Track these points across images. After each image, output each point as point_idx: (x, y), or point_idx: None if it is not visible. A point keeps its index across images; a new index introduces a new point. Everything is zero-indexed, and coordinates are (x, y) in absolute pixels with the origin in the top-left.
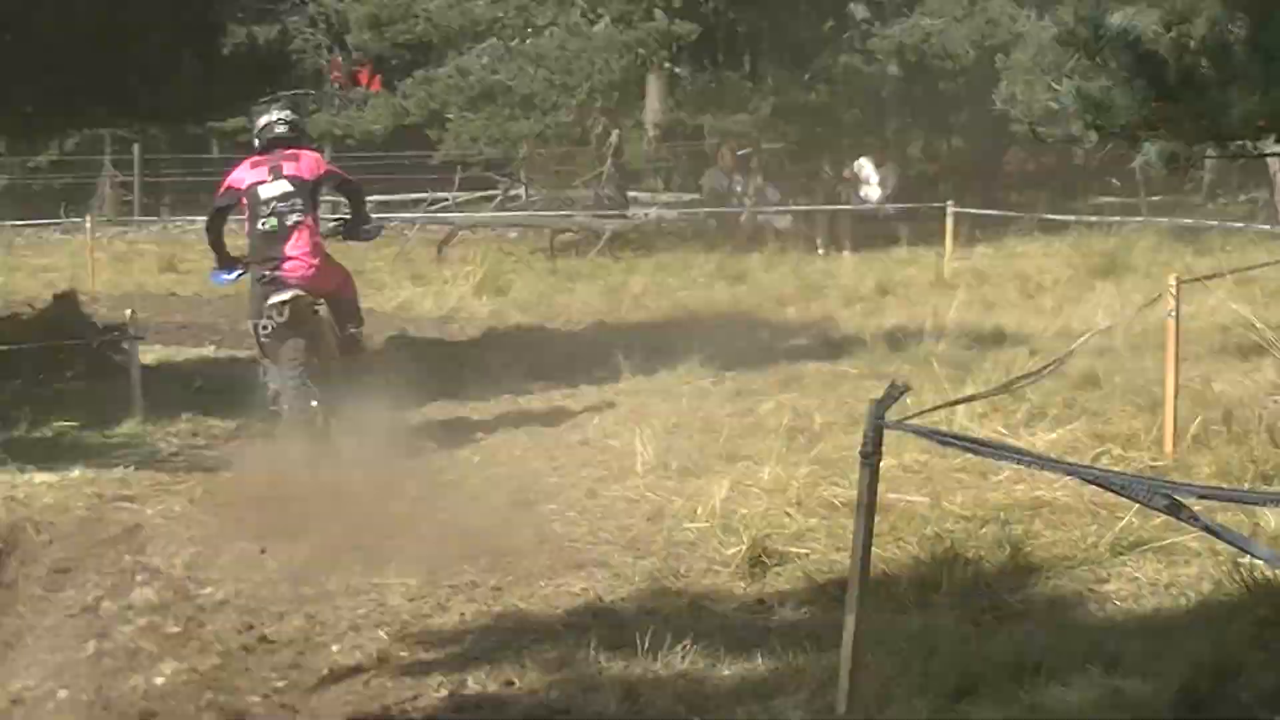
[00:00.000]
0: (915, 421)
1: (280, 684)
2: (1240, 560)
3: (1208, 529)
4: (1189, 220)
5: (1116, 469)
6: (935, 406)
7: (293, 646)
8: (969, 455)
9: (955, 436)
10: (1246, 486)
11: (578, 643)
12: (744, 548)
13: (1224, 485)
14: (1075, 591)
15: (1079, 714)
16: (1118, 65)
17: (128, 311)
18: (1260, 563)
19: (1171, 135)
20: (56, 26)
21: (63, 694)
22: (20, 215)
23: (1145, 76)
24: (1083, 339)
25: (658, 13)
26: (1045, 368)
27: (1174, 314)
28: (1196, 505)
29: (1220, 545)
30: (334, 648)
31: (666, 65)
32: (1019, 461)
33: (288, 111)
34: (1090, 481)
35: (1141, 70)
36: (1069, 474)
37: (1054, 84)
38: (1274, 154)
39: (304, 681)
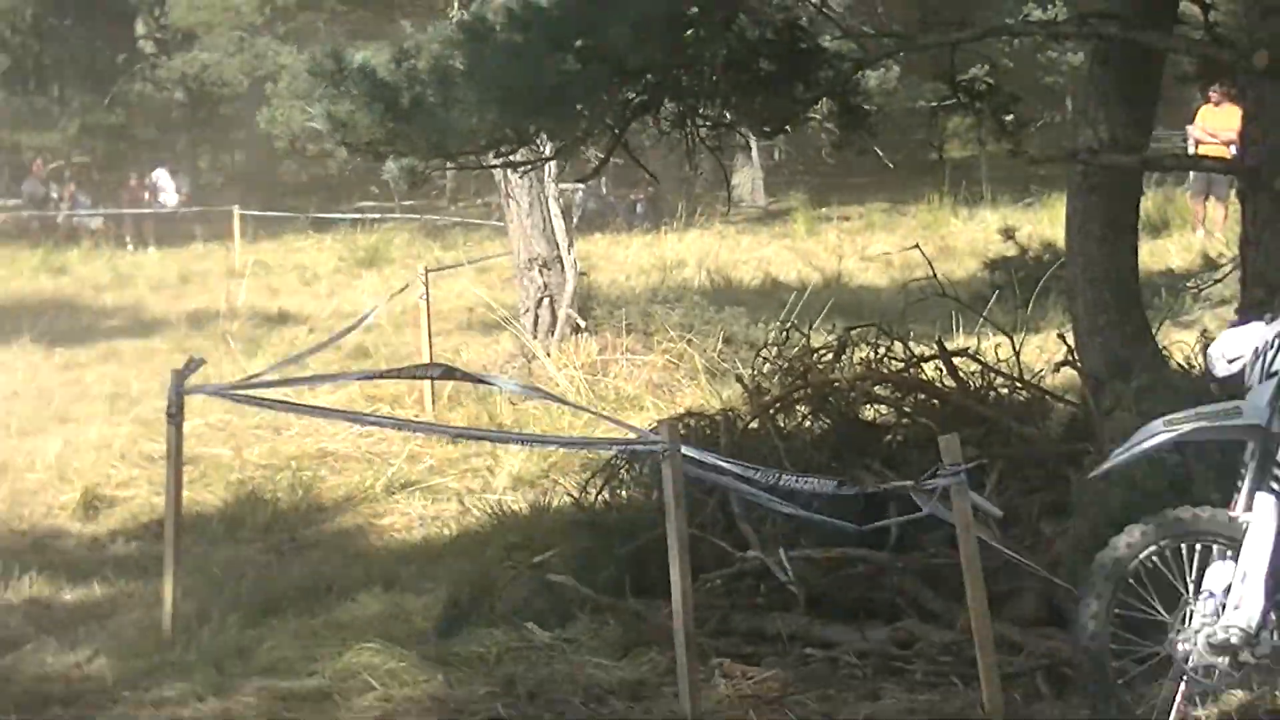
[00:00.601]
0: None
1: None
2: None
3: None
4: (436, 219)
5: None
6: (238, 384)
7: None
8: (266, 414)
9: (248, 397)
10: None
11: None
12: (78, 494)
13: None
14: (358, 525)
15: (365, 625)
16: (359, 92)
17: None
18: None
19: (408, 151)
20: None
21: None
22: None
23: (382, 101)
24: (359, 320)
25: None
26: (326, 342)
27: (425, 297)
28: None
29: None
30: None
31: None
32: (310, 414)
33: None
34: (370, 424)
35: (379, 96)
36: (352, 421)
37: (307, 108)
38: (494, 166)
39: None
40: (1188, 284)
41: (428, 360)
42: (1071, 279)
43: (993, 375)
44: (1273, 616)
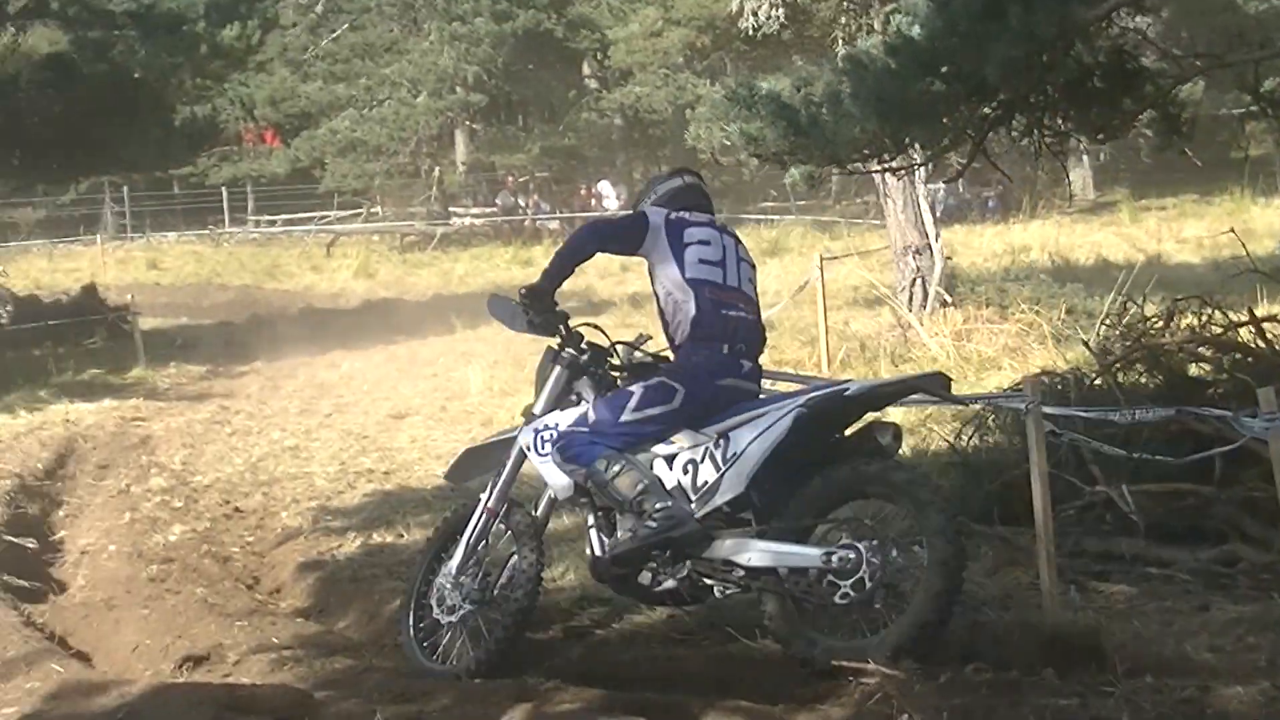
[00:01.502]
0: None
1: (250, 539)
2: None
3: None
4: (825, 218)
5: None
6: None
7: (256, 515)
8: None
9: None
10: None
11: (441, 509)
12: None
13: None
14: None
15: None
16: (767, 113)
17: (129, 296)
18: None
19: (806, 160)
20: (67, 113)
21: (112, 547)
22: (54, 235)
23: (785, 120)
24: (772, 303)
25: (459, 89)
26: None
27: (820, 279)
28: None
29: None
30: (283, 515)
31: (467, 123)
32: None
33: None
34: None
35: (782, 116)
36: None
37: (725, 126)
38: (875, 171)
39: (265, 538)
40: None
41: (823, 330)
42: None
43: None
44: None
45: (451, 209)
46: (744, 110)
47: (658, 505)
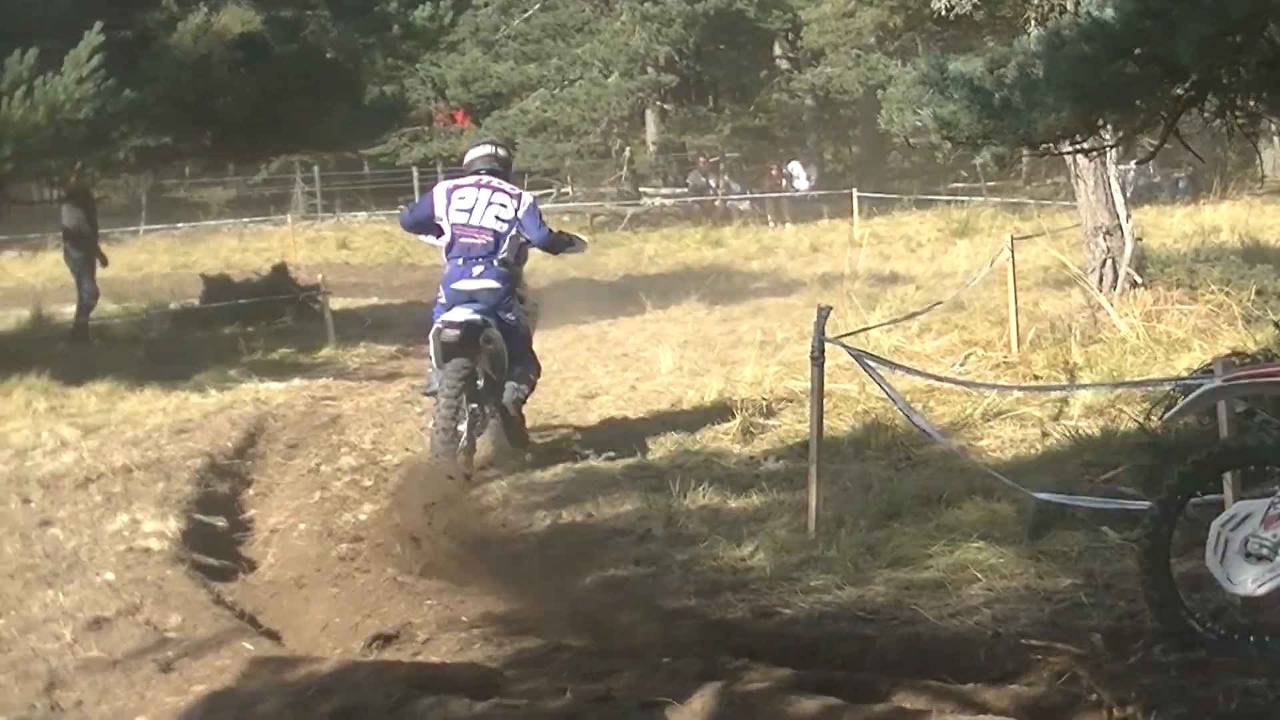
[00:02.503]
0: (847, 339)
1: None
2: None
3: None
4: (1014, 199)
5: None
6: (857, 330)
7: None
8: (883, 356)
9: (868, 356)
10: (1064, 377)
11: (631, 488)
12: (737, 422)
13: (1054, 374)
14: (960, 447)
15: (969, 527)
16: (959, 96)
17: (319, 275)
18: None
19: (999, 143)
20: (259, 93)
21: (302, 526)
22: (246, 214)
23: (979, 103)
24: (962, 283)
25: (650, 69)
26: (937, 303)
27: (1010, 260)
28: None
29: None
30: (472, 493)
31: (658, 103)
32: (906, 371)
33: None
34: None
35: (975, 99)
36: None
37: (917, 110)
38: (1068, 152)
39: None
40: None
41: (1013, 310)
42: None
43: None
44: None
45: (641, 189)
46: (936, 93)
47: None
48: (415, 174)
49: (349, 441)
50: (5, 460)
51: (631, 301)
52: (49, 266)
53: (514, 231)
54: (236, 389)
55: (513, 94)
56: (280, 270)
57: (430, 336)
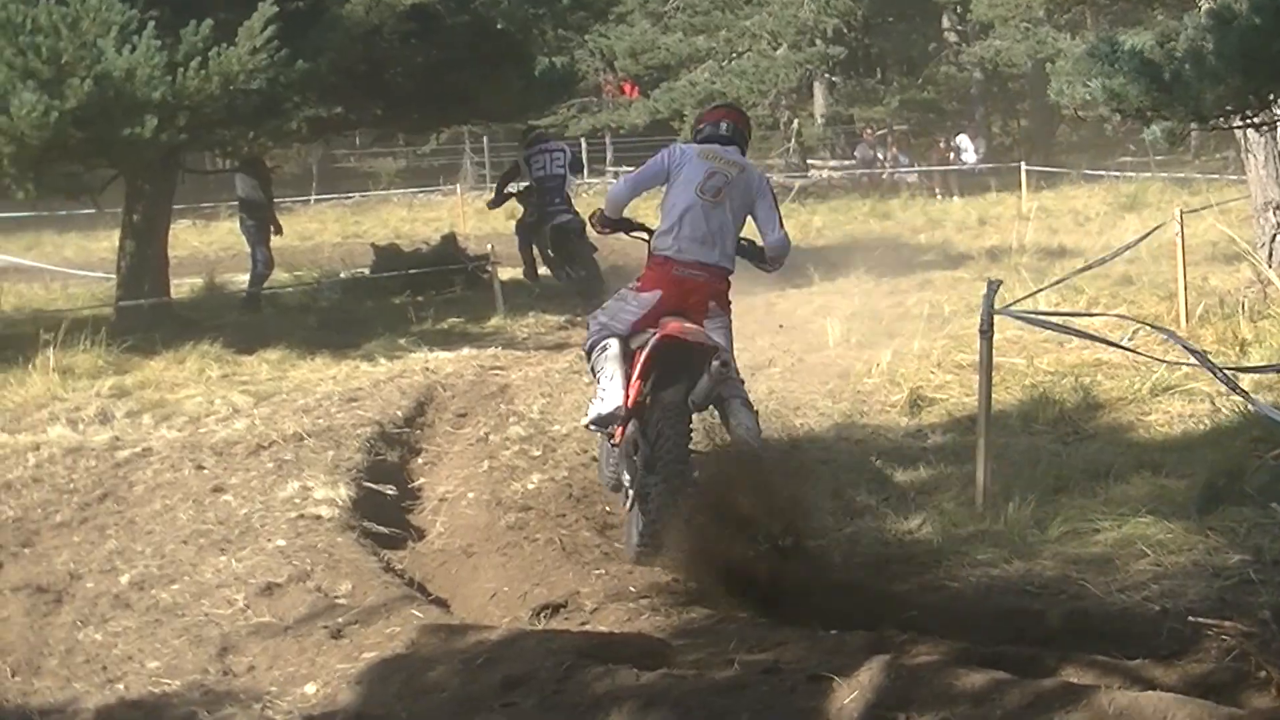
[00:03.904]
0: (1015, 308)
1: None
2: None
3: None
4: (1183, 174)
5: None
6: (1023, 297)
7: None
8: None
9: (1044, 317)
10: (1234, 353)
11: (798, 459)
12: (904, 395)
13: (1223, 349)
14: (1128, 421)
15: (1137, 502)
16: (1129, 69)
17: (489, 245)
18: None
19: (1170, 116)
20: (429, 64)
21: (470, 495)
22: (415, 184)
23: (1148, 76)
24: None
25: (818, 41)
26: (1094, 263)
27: (1179, 234)
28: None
29: (1222, 387)
30: None
31: (827, 75)
32: (1078, 336)
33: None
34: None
35: (1145, 72)
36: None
37: (1087, 82)
38: (1238, 127)
39: None
40: None
41: (1182, 285)
42: None
43: None
44: None
45: (809, 161)
46: (1106, 66)
47: None
48: (584, 145)
49: (517, 411)
50: (179, 427)
51: (800, 273)
52: (222, 235)
53: (742, 218)
54: (406, 358)
55: (681, 66)
56: (449, 240)
57: (603, 346)
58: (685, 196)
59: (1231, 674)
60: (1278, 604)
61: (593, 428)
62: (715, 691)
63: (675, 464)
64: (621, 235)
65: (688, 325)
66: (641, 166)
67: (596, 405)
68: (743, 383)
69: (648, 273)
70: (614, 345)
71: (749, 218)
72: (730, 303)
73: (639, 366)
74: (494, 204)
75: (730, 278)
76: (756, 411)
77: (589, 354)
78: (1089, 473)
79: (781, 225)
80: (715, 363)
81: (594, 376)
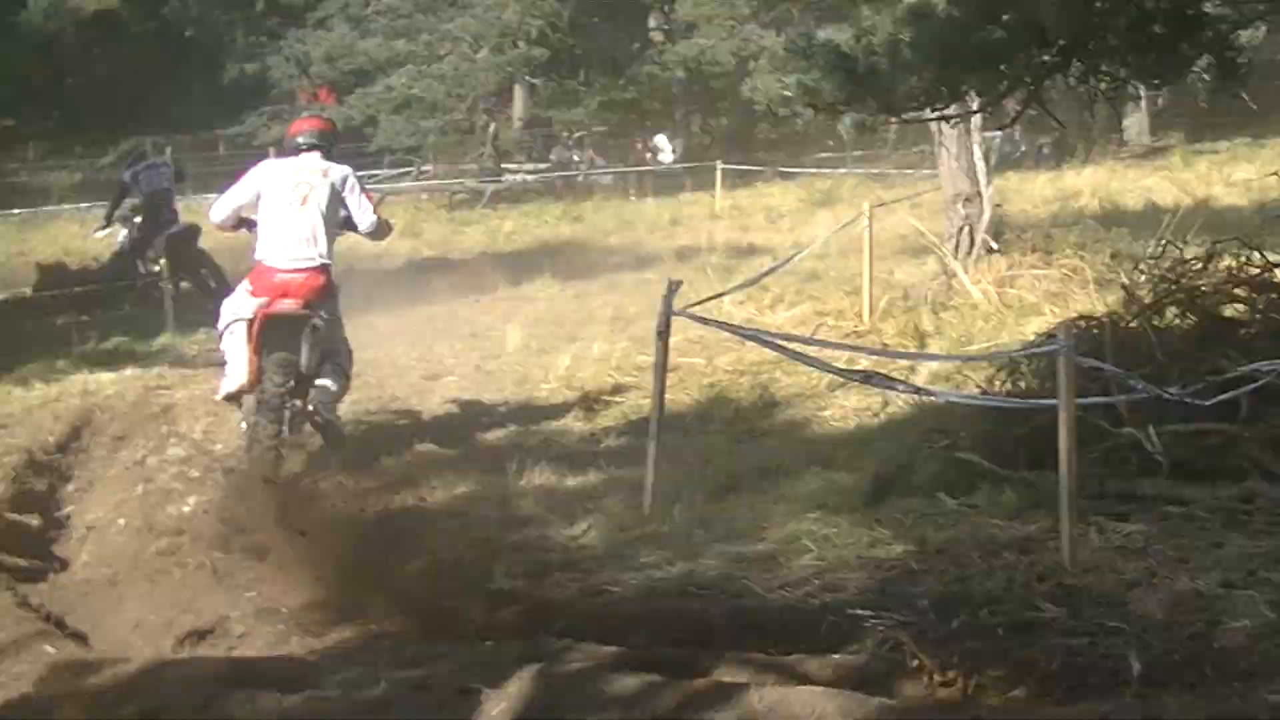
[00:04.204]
0: (695, 309)
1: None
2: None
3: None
4: (879, 169)
5: (829, 335)
6: (707, 298)
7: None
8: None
9: (715, 322)
10: (914, 345)
11: (467, 470)
12: (579, 399)
13: (903, 342)
14: (805, 417)
15: (807, 498)
16: (824, 63)
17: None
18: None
19: (861, 110)
20: (112, 72)
21: (121, 521)
22: (92, 198)
23: (843, 70)
24: (806, 249)
25: (521, 43)
26: (779, 265)
27: (868, 228)
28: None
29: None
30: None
31: (527, 78)
32: (755, 340)
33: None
34: (793, 358)
35: (840, 66)
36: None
37: (782, 78)
38: (930, 119)
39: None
40: None
41: (868, 279)
42: None
43: None
44: None
45: (505, 165)
46: (802, 61)
47: None
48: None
49: (179, 431)
50: None
51: (485, 280)
52: None
53: (335, 214)
54: (64, 380)
55: (379, 70)
56: (122, 256)
57: (229, 329)
58: (275, 207)
59: (885, 664)
60: (937, 593)
61: (227, 401)
62: (360, 711)
63: (274, 399)
64: (243, 231)
65: (286, 301)
66: (235, 185)
67: (226, 382)
68: (350, 354)
69: (253, 279)
70: (240, 329)
71: (343, 211)
72: (336, 291)
73: (252, 343)
74: (105, 229)
75: (329, 270)
76: (347, 379)
77: (220, 338)
78: (761, 471)
79: (375, 211)
80: (313, 321)
81: (225, 357)
